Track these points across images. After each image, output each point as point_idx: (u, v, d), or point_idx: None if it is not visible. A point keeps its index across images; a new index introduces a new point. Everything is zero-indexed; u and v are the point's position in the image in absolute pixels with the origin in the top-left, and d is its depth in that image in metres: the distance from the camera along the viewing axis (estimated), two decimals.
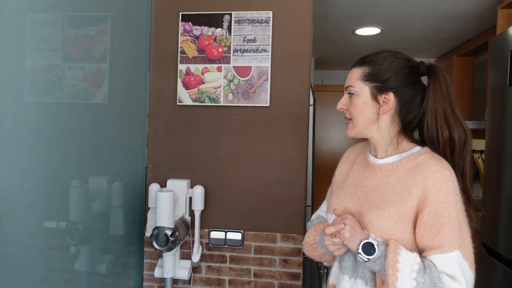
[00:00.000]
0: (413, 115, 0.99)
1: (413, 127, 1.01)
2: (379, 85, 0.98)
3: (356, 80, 1.00)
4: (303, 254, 1.68)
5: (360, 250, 0.88)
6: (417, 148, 0.99)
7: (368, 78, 0.99)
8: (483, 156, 3.12)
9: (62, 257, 1.54)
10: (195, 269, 1.74)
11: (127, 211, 1.75)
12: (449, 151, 0.96)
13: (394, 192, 0.95)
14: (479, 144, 3.33)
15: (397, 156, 0.99)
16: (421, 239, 0.90)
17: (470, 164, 0.98)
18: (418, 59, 2.62)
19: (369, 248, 0.88)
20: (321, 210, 1.21)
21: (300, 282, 1.68)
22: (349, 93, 1.02)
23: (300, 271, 1.67)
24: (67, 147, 1.45)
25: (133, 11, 1.76)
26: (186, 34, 1.71)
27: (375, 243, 0.89)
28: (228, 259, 1.72)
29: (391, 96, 0.98)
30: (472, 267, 0.89)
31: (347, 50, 3.74)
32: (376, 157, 1.03)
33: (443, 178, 0.90)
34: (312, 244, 1.12)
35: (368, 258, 0.88)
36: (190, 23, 1.70)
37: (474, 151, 3.50)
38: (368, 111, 0.99)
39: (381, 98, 0.98)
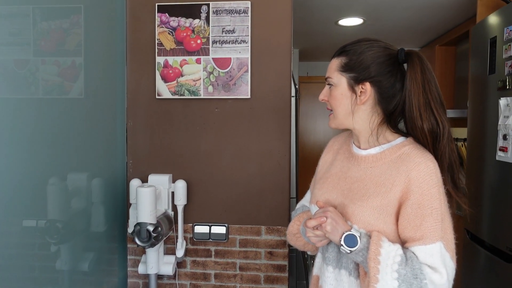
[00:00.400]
0: (394, 104, 0.97)
1: (396, 117, 0.99)
2: (356, 76, 0.96)
3: (334, 71, 0.99)
4: (289, 246, 1.67)
5: (342, 242, 0.88)
6: (401, 139, 0.98)
7: (345, 68, 0.97)
8: (466, 144, 3.16)
9: (43, 256, 1.50)
10: (180, 264, 1.72)
11: (108, 207, 1.71)
12: (425, 142, 0.94)
13: (377, 184, 0.94)
14: (462, 132, 3.37)
15: (379, 148, 0.98)
16: (403, 231, 0.90)
17: (454, 154, 0.96)
18: None
19: (351, 240, 0.88)
20: (305, 200, 1.20)
21: (286, 274, 1.67)
22: (329, 84, 1.01)
23: (285, 263, 1.67)
24: (43, 144, 1.42)
25: (107, 2, 1.72)
26: (163, 26, 1.67)
27: (357, 235, 0.88)
28: (213, 253, 1.70)
29: (367, 87, 0.96)
30: (453, 258, 0.89)
31: (330, 41, 3.73)
32: (359, 147, 1.02)
33: (426, 170, 0.90)
34: (296, 234, 1.11)
35: (350, 250, 0.88)
36: (166, 14, 1.66)
37: (457, 140, 3.55)
38: (346, 102, 0.98)
39: (358, 88, 0.96)
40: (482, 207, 2.08)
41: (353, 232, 0.88)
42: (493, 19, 1.98)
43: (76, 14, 1.62)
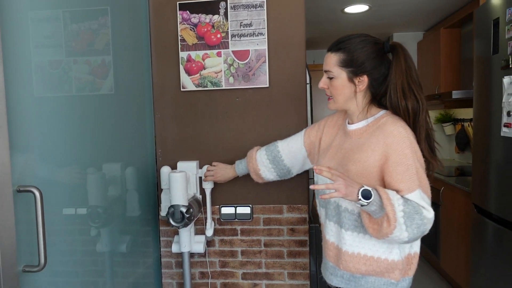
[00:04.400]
0: (381, 87, 1.19)
1: (380, 96, 1.21)
2: (354, 70, 1.17)
3: (333, 65, 1.19)
4: (309, 222, 1.81)
5: (360, 197, 1.04)
6: (382, 112, 1.20)
7: (344, 64, 1.18)
8: (472, 124, 3.25)
9: (83, 240, 1.64)
10: (209, 243, 1.86)
11: (141, 193, 1.86)
12: (407, 117, 1.14)
13: (361, 150, 1.16)
14: (469, 113, 3.46)
15: (365, 121, 1.20)
16: (389, 185, 1.11)
17: (429, 125, 1.16)
18: (406, 33, 2.81)
19: (366, 194, 1.05)
20: (288, 141, 1.51)
21: (307, 248, 1.81)
22: (328, 77, 1.21)
23: (306, 238, 1.81)
24: (80, 138, 1.52)
25: (131, 3, 1.83)
26: (184, 23, 1.79)
27: (370, 189, 1.06)
28: (239, 232, 1.84)
29: (365, 78, 1.18)
30: (429, 196, 1.12)
31: (337, 28, 3.82)
32: (352, 123, 1.24)
33: (399, 135, 1.10)
34: (256, 166, 1.54)
35: (367, 202, 1.04)
36: (187, 11, 1.78)
37: (464, 120, 3.64)
38: (346, 91, 1.20)
39: (356, 80, 1.18)
40: (488, 181, 2.20)
41: (365, 187, 1.05)
42: (496, 1, 2.07)
43: (103, 15, 1.73)
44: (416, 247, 1.23)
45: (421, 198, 1.09)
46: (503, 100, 1.96)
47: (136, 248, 1.86)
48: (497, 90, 2.05)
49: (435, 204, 3.20)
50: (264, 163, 1.55)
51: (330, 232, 1.25)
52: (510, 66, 1.91)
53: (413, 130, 1.14)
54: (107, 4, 1.73)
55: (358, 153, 1.16)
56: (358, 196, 1.04)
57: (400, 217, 1.04)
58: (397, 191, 1.09)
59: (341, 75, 1.19)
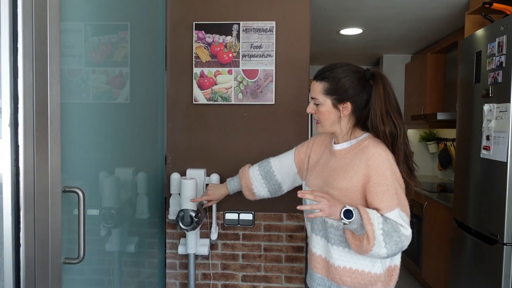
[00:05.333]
0: (363, 112, 1.29)
1: (363, 119, 1.31)
2: (338, 97, 1.27)
3: (318, 93, 1.29)
4: (306, 230, 1.96)
5: (342, 217, 1.13)
6: (365, 135, 1.30)
7: (328, 92, 1.27)
8: (455, 144, 3.48)
9: (92, 240, 1.73)
10: (212, 246, 1.99)
11: (150, 197, 1.98)
12: (386, 140, 1.24)
13: (344, 170, 1.25)
14: (452, 133, 3.70)
15: (349, 143, 1.30)
16: (371, 204, 1.20)
17: (407, 148, 1.27)
18: (396, 55, 3.07)
19: (348, 214, 1.15)
20: (280, 158, 1.59)
21: (304, 254, 1.96)
22: (315, 103, 1.32)
23: (303, 244, 1.96)
24: (95, 143, 1.61)
25: (150, 20, 1.98)
26: (199, 41, 1.94)
27: (351, 208, 1.15)
28: (241, 236, 1.98)
29: (348, 104, 1.27)
30: (407, 215, 1.21)
31: (333, 47, 4.04)
32: (338, 143, 1.34)
33: (379, 158, 1.20)
34: (249, 184, 1.60)
35: (349, 221, 1.14)
36: (203, 31, 1.94)
37: (446, 140, 3.88)
38: (331, 116, 1.29)
39: (341, 106, 1.28)
40: (468, 198, 2.40)
41: (347, 207, 1.15)
42: (479, 35, 2.30)
43: (123, 30, 1.86)
44: (396, 260, 1.33)
45: (400, 216, 1.17)
46: (483, 125, 2.17)
47: (143, 248, 1.97)
48: (478, 115, 2.26)
49: (418, 218, 3.40)
50: (256, 179, 1.61)
51: (317, 245, 1.34)
52: (490, 95, 2.12)
53: (392, 152, 1.22)
54: (128, 20, 1.87)
55: (342, 173, 1.24)
56: (340, 216, 1.13)
57: (379, 235, 1.12)
58: (377, 210, 1.17)
59: (326, 102, 1.27)
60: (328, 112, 1.28)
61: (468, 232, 2.39)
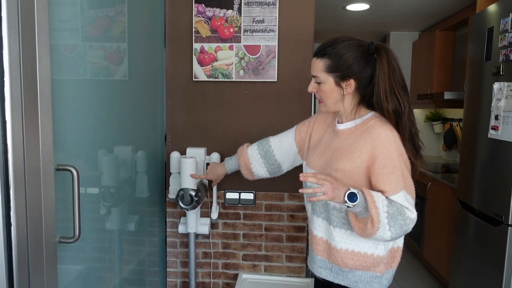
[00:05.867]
0: (368, 89, 1.22)
1: (369, 97, 1.23)
2: (341, 74, 1.19)
3: (320, 71, 1.21)
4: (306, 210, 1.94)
5: (346, 200, 1.11)
6: (370, 114, 1.24)
7: (330, 69, 1.20)
8: (461, 124, 3.41)
9: (92, 218, 1.72)
10: (213, 225, 1.98)
11: (150, 176, 1.95)
12: (389, 119, 1.18)
13: (350, 151, 1.20)
14: (458, 113, 3.62)
15: (353, 122, 1.24)
16: (376, 186, 1.16)
17: (413, 127, 1.20)
18: (403, 33, 2.96)
19: (352, 197, 1.11)
20: (280, 137, 1.53)
21: (305, 234, 1.94)
22: (316, 81, 1.24)
23: (304, 224, 1.94)
24: (92, 121, 1.57)
25: None
26: (199, 15, 1.87)
27: (355, 191, 1.12)
28: (242, 216, 1.96)
29: (351, 81, 1.20)
30: (413, 197, 1.18)
31: (338, 24, 3.92)
32: (341, 123, 1.28)
33: (386, 138, 1.14)
34: (246, 160, 1.57)
35: (353, 205, 1.11)
36: (203, 5, 1.86)
37: (453, 120, 3.81)
38: (334, 95, 1.22)
39: (344, 83, 1.21)
40: (473, 179, 2.36)
41: (351, 190, 1.12)
42: (492, 10, 2.20)
43: (120, 3, 1.79)
44: (399, 242, 1.30)
45: (405, 199, 1.14)
46: (492, 105, 2.10)
47: (144, 227, 1.96)
48: (487, 95, 2.19)
49: (421, 198, 3.38)
50: (255, 158, 1.56)
51: (318, 227, 1.31)
52: (501, 73, 2.04)
53: (397, 131, 1.17)
54: None
55: (346, 153, 1.19)
56: (344, 199, 1.10)
57: (384, 218, 1.10)
58: (383, 192, 1.14)
59: (328, 80, 1.20)
60: (330, 91, 1.21)
61: (472, 213, 2.37)
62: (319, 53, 1.22)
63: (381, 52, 1.18)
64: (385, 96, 1.15)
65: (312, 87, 1.26)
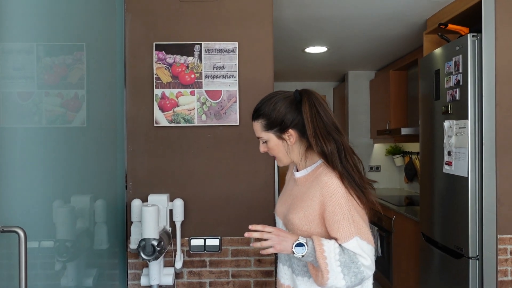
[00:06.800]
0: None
1: None
2: (278, 128, 1.24)
3: (260, 131, 1.27)
4: (275, 253, 1.91)
5: (294, 251, 1.11)
6: (320, 161, 1.25)
7: (268, 127, 1.25)
8: (419, 157, 3.57)
9: (46, 275, 1.61)
10: (178, 275, 1.90)
11: (110, 226, 1.87)
12: (326, 160, 1.18)
13: (302, 199, 1.22)
14: (416, 147, 3.79)
15: (306, 170, 1.27)
16: (330, 233, 1.17)
17: (348, 163, 1.18)
18: (360, 72, 3.11)
19: (300, 247, 1.11)
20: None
21: (273, 278, 1.90)
22: (262, 142, 1.29)
23: (272, 268, 1.90)
24: (49, 170, 1.52)
25: (108, 41, 1.90)
26: (160, 62, 1.88)
27: (303, 241, 1.12)
28: (208, 263, 1.90)
29: (291, 131, 1.24)
30: (370, 243, 1.16)
31: (299, 65, 4.08)
32: (298, 171, 1.32)
33: (332, 186, 1.16)
34: None
35: (302, 255, 1.11)
36: (163, 52, 1.88)
37: (411, 153, 3.97)
38: (281, 148, 1.26)
39: (285, 135, 1.25)
40: (434, 213, 2.44)
41: (300, 240, 1.12)
42: (437, 54, 2.37)
43: (78, 51, 1.78)
44: (366, 286, 1.27)
45: (358, 245, 1.13)
46: (444, 141, 2.22)
47: (103, 281, 1.85)
48: (439, 131, 2.31)
49: (387, 232, 3.43)
50: None
51: (285, 275, 1.30)
52: (450, 112, 2.18)
53: (343, 171, 1.17)
54: (83, 40, 1.79)
55: (301, 202, 1.22)
56: (292, 250, 1.10)
57: (336, 267, 1.10)
58: (336, 240, 1.14)
59: (270, 137, 1.25)
60: (276, 146, 1.26)
61: (435, 246, 2.42)
62: (254, 116, 1.27)
63: (304, 98, 1.22)
64: (313, 139, 1.18)
65: (262, 148, 1.29)
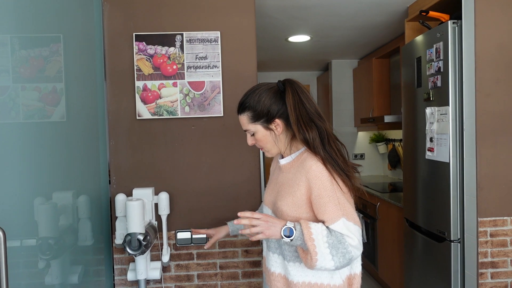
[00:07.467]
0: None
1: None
2: (265, 119, 1.27)
3: (247, 124, 1.29)
4: (261, 243, 1.91)
5: (282, 235, 1.14)
6: (304, 147, 1.28)
7: (254, 119, 1.27)
8: (402, 144, 3.62)
9: (29, 273, 1.57)
10: (165, 268, 1.89)
11: (94, 222, 1.83)
12: (309, 147, 1.21)
13: (290, 185, 1.25)
14: (399, 134, 3.84)
15: (290, 157, 1.30)
16: (317, 216, 1.21)
17: (331, 149, 1.22)
18: (343, 61, 3.12)
19: (289, 231, 1.14)
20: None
21: (261, 268, 1.91)
22: (250, 134, 1.31)
23: (260, 258, 1.91)
24: (29, 166, 1.49)
25: (85, 32, 1.84)
26: (140, 53, 1.84)
27: (291, 225, 1.15)
28: (195, 256, 1.89)
29: (278, 121, 1.27)
30: (356, 223, 1.19)
31: (282, 54, 4.06)
32: (282, 158, 1.34)
33: (317, 169, 1.19)
34: None
35: (290, 239, 1.14)
36: (144, 42, 1.84)
37: (394, 140, 4.03)
38: (269, 139, 1.29)
39: (272, 126, 1.27)
40: (417, 198, 2.48)
41: (288, 225, 1.15)
42: (418, 41, 2.39)
43: (55, 43, 1.72)
44: (356, 268, 1.33)
45: (345, 226, 1.16)
46: (426, 128, 2.25)
47: (89, 278, 1.82)
48: (421, 118, 2.35)
49: (372, 218, 3.49)
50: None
51: (275, 264, 1.33)
52: (431, 99, 2.21)
53: (327, 157, 1.21)
54: (60, 31, 1.73)
55: (288, 187, 1.25)
56: (281, 234, 1.14)
57: (325, 248, 1.14)
58: (323, 222, 1.17)
59: (257, 128, 1.27)
60: (264, 137, 1.28)
61: (419, 231, 2.47)
62: (239, 110, 1.30)
63: (287, 87, 1.25)
64: (296, 127, 1.21)
65: (250, 140, 1.31)
